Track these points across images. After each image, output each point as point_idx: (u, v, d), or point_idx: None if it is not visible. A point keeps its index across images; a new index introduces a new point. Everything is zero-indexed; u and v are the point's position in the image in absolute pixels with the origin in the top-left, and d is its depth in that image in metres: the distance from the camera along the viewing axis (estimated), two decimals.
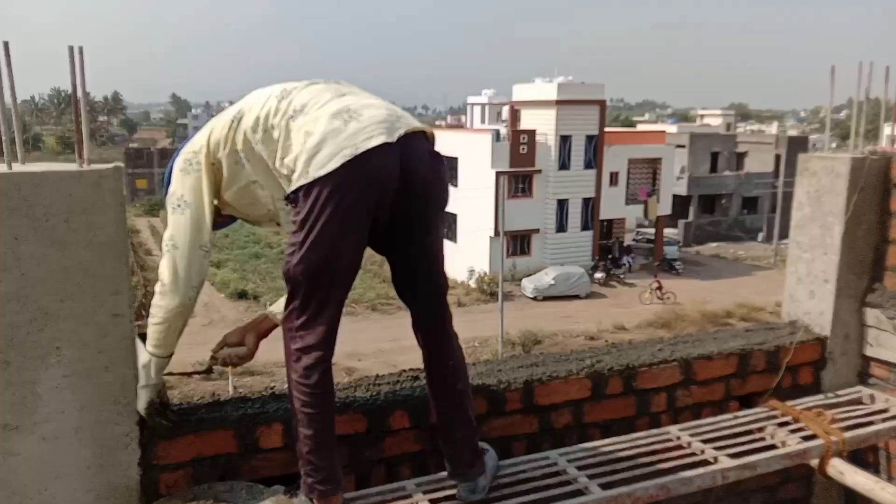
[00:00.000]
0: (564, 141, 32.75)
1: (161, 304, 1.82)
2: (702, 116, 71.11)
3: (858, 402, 2.78)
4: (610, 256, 34.42)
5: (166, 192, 1.90)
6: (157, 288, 1.81)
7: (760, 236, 40.46)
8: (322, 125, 1.73)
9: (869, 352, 2.85)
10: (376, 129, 1.72)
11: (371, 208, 1.72)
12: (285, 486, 1.95)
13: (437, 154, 1.84)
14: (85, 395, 1.77)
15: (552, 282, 29.32)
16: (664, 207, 36.23)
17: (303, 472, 1.84)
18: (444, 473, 2.03)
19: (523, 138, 32.24)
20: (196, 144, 1.90)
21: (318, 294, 1.75)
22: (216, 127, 1.89)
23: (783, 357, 2.74)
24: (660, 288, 29.74)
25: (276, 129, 1.79)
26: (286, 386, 1.87)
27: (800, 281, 2.93)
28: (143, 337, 1.86)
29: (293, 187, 1.72)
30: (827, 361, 2.84)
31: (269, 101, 1.83)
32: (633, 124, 73.12)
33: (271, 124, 1.80)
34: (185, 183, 1.86)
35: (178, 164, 1.88)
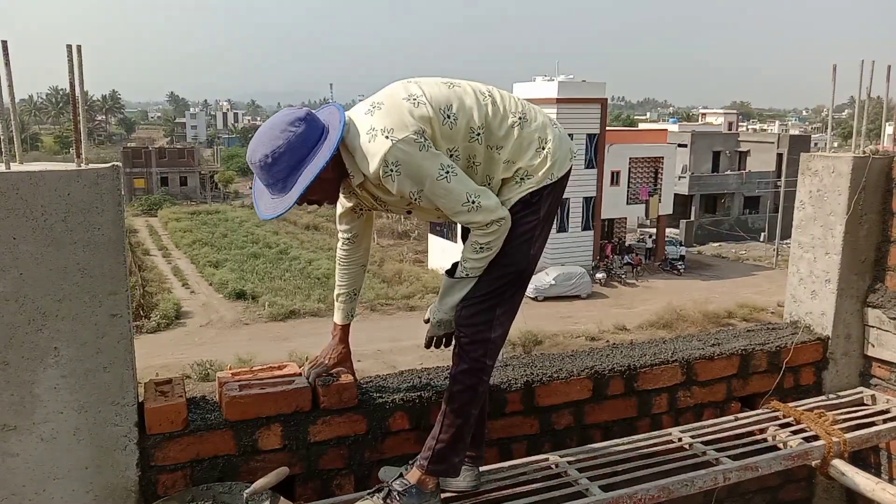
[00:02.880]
0: None
1: (500, 234, 1.87)
2: (703, 115, 71.14)
3: (860, 402, 2.77)
4: (619, 255, 34.45)
5: None
6: (492, 228, 1.85)
7: (762, 236, 40.42)
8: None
9: (870, 352, 2.84)
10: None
11: None
12: (285, 487, 1.94)
13: None
14: (83, 396, 1.77)
15: (553, 282, 29.27)
16: (666, 207, 36.20)
17: (454, 456, 1.94)
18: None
19: None
20: None
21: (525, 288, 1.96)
22: None
23: (784, 357, 2.73)
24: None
25: None
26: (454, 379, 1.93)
27: (801, 281, 2.92)
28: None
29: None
30: (828, 362, 2.84)
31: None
32: (634, 123, 73.14)
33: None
34: None
35: None
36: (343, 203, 2.08)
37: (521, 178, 1.90)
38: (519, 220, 1.90)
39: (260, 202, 1.83)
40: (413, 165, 1.76)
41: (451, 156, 1.84)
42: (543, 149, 1.91)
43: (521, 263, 1.91)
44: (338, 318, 2.18)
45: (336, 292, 2.20)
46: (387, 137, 1.75)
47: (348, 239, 2.15)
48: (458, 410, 1.91)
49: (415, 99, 1.82)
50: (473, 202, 1.81)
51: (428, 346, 2.03)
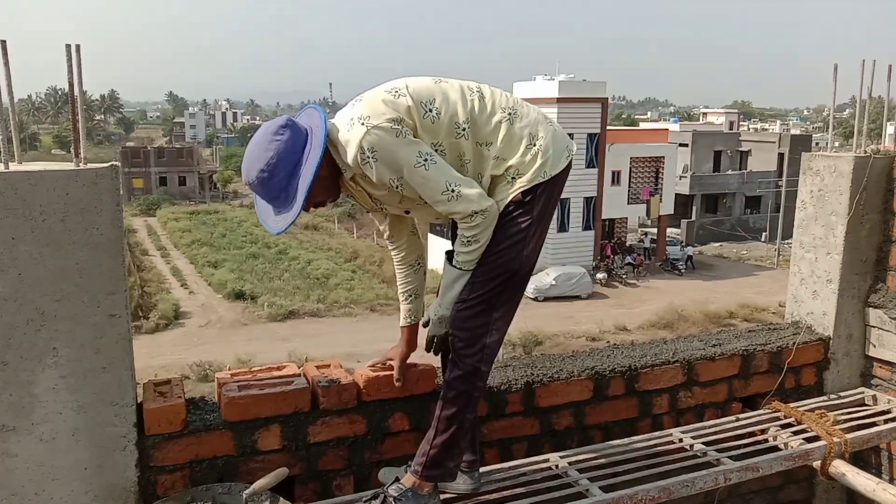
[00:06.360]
0: None
1: (485, 225, 1.84)
2: (705, 115, 71.16)
3: (861, 403, 2.77)
4: (620, 255, 34.47)
5: None
6: (475, 220, 1.82)
7: (763, 236, 40.42)
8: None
9: (872, 352, 2.84)
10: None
11: None
12: (284, 488, 1.93)
13: None
14: (82, 396, 1.76)
15: (553, 282, 29.28)
16: (667, 207, 36.20)
17: (449, 461, 1.92)
18: None
19: None
20: None
21: (522, 291, 1.95)
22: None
23: (786, 358, 2.73)
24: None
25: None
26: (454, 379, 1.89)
27: (803, 281, 2.91)
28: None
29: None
30: (830, 362, 2.83)
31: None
32: (635, 122, 73.12)
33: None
34: None
35: None
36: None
37: (513, 177, 1.88)
38: (512, 220, 1.87)
39: (268, 220, 1.83)
40: (388, 151, 1.76)
41: (436, 150, 1.83)
42: (534, 145, 1.88)
43: (514, 264, 1.88)
44: (401, 320, 2.19)
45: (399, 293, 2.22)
46: (362, 124, 1.75)
47: (388, 237, 2.17)
48: (452, 416, 1.88)
49: (396, 91, 1.83)
50: (453, 191, 1.79)
51: (429, 348, 1.99)
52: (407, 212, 2.02)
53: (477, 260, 1.88)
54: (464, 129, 1.85)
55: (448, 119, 1.84)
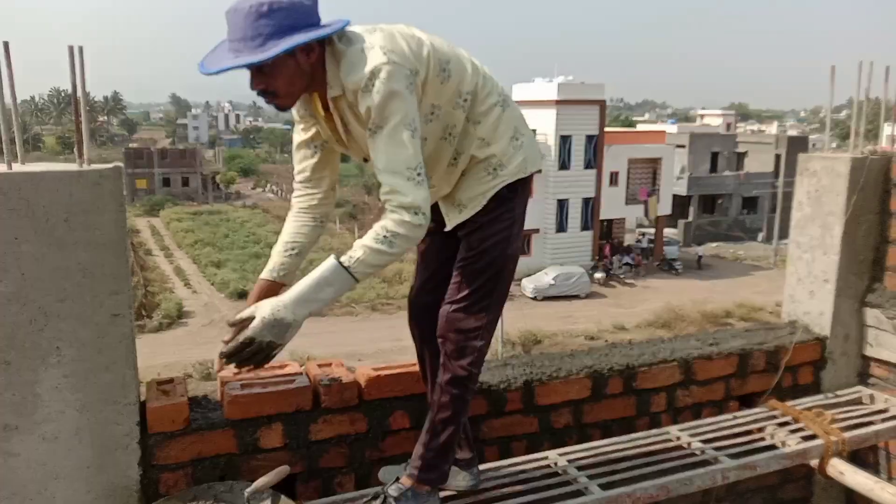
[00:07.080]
0: (564, 141, 32.72)
1: (414, 235, 1.66)
2: (702, 116, 71.13)
3: (858, 402, 2.78)
4: (618, 256, 34.44)
5: None
6: (415, 220, 1.63)
7: (760, 236, 40.44)
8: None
9: (869, 352, 2.85)
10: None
11: None
12: (286, 486, 1.95)
13: None
14: (85, 396, 1.77)
15: (552, 282, 29.30)
16: (664, 207, 36.22)
17: (444, 464, 1.90)
18: None
19: None
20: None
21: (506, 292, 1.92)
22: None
23: (783, 357, 2.74)
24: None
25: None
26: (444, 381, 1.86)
27: (800, 281, 2.93)
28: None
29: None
30: (827, 361, 2.85)
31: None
32: (633, 124, 73.11)
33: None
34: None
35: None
36: (299, 133, 1.93)
37: (495, 169, 1.85)
38: (495, 218, 1.86)
39: (210, 55, 1.63)
40: (392, 92, 1.62)
41: (432, 113, 1.77)
42: (517, 140, 1.88)
43: (499, 261, 1.87)
44: (264, 271, 1.95)
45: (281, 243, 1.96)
46: (384, 54, 1.64)
47: (304, 181, 1.97)
48: (446, 419, 1.88)
49: (419, 41, 1.75)
50: (419, 174, 1.65)
51: (234, 354, 1.62)
52: (365, 160, 1.85)
53: (373, 273, 1.68)
54: (465, 101, 1.81)
55: (455, 85, 1.79)
